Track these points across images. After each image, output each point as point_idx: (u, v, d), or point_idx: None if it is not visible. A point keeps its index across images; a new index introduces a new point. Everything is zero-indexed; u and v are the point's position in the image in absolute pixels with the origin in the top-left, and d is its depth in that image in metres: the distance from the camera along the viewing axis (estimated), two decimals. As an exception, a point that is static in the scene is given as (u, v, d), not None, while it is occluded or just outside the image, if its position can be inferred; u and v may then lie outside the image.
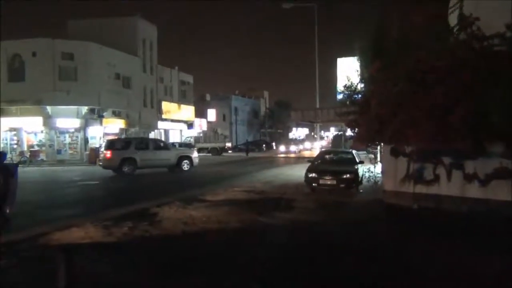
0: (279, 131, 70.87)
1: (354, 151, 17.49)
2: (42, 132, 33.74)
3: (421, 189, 11.97)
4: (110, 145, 24.25)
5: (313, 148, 50.67)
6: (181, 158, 24.76)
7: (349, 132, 28.73)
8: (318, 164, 16.47)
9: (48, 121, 33.18)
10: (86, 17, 43.00)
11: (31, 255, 7.43)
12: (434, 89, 9.46)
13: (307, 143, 62.24)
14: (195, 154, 25.81)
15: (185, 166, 24.72)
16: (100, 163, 24.64)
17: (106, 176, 22.60)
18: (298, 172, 19.56)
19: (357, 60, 17.23)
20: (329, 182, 14.73)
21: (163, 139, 47.06)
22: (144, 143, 25.27)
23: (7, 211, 9.59)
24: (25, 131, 33.74)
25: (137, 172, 23.16)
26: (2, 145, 32.42)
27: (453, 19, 10.55)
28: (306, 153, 43.87)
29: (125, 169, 22.99)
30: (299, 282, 6.25)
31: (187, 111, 51.22)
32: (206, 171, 25.42)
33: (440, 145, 10.34)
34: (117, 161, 22.98)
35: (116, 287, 6.15)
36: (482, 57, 9.43)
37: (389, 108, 10.21)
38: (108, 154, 23.18)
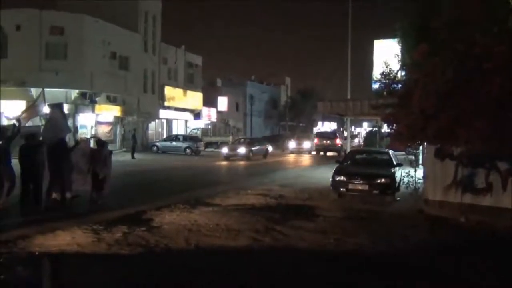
0: (301, 124, 70.57)
1: (391, 151, 17.36)
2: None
3: (470, 199, 11.87)
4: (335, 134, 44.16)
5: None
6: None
7: (385, 129, 28.64)
8: (348, 166, 16.39)
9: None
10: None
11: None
12: (491, 79, 9.31)
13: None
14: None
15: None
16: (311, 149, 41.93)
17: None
18: (323, 174, 19.52)
19: (398, 42, 17.10)
20: (360, 187, 14.65)
21: (164, 130, 47.45)
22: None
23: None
24: (5, 117, 34.12)
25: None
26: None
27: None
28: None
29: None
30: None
31: (194, 99, 51.41)
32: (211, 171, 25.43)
33: (496, 147, 10.19)
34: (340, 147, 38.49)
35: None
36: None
37: (435, 100, 10.07)
38: (338, 141, 40.20)
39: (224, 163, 31.49)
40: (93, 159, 12.89)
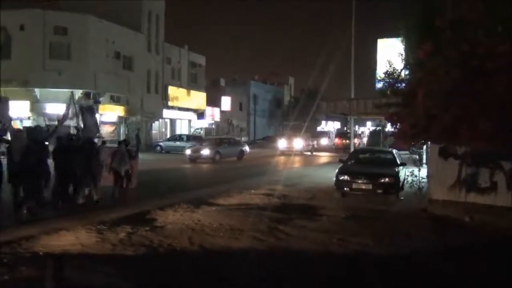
0: (304, 124, 70.44)
1: (394, 151, 17.34)
2: (29, 118, 34.29)
3: (474, 198, 11.85)
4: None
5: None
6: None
7: (389, 128, 28.57)
8: (351, 165, 16.36)
9: (36, 106, 33.70)
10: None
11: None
12: (495, 79, 9.30)
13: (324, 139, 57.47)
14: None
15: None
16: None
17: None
18: (328, 174, 19.51)
19: (402, 41, 17.09)
20: (363, 187, 14.63)
21: (168, 130, 47.50)
22: None
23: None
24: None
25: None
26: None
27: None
28: None
29: None
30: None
31: (198, 98, 51.44)
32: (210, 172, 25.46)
33: (500, 147, 10.18)
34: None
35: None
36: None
37: (439, 100, 10.07)
38: (356, 140, 42.57)
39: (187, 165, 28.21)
40: (113, 157, 13.78)
